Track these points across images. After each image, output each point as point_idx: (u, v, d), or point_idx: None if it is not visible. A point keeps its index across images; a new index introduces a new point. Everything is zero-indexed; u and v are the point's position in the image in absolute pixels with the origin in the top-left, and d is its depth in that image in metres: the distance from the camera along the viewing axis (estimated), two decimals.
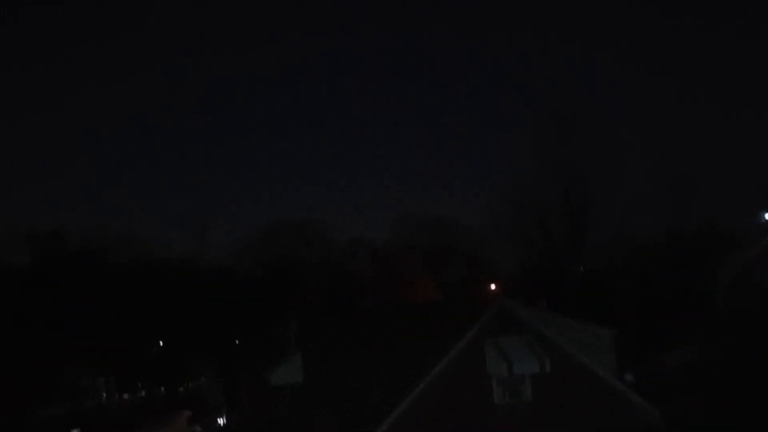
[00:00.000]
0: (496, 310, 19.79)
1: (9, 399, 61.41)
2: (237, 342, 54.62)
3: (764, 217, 41.60)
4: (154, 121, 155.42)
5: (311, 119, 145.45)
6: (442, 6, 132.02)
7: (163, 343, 68.66)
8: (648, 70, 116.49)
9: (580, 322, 22.58)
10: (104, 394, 73.37)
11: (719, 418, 22.33)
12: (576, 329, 21.63)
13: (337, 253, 71.59)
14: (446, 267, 66.01)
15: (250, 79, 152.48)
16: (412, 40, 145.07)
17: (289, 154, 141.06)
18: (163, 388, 74.71)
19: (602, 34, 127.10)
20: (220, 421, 47.12)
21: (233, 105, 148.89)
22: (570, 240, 43.48)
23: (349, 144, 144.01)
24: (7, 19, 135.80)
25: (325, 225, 74.06)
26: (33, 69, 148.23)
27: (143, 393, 75.63)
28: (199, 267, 71.61)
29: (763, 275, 36.75)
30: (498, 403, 19.19)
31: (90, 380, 72.35)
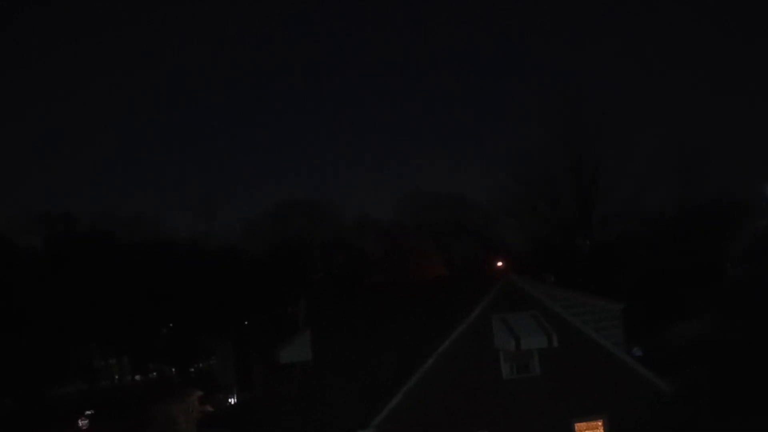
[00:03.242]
0: (504, 286, 19.78)
1: (25, 379, 62.40)
2: (247, 321, 55.04)
3: None
4: (163, 104, 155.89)
5: (319, 100, 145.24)
6: None
7: (173, 324, 69.33)
8: (657, 43, 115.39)
9: (588, 297, 22.52)
10: (117, 375, 74.39)
11: (730, 389, 22.36)
12: (583, 304, 21.57)
13: (345, 232, 71.74)
14: (454, 244, 66.05)
15: (258, 61, 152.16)
16: (420, 20, 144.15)
17: (297, 135, 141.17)
18: (174, 369, 75.58)
19: (611, 11, 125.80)
20: (231, 400, 47.65)
21: (241, 87, 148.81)
22: (578, 214, 43.28)
23: (356, 123, 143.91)
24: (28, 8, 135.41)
25: (333, 204, 74.25)
26: (43, 56, 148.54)
27: (155, 374, 76.57)
28: (208, 248, 72.00)
29: None
30: (506, 378, 19.25)
31: (103, 361, 73.34)
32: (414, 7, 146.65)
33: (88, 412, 52.99)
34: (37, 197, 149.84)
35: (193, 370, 71.03)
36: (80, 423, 51.71)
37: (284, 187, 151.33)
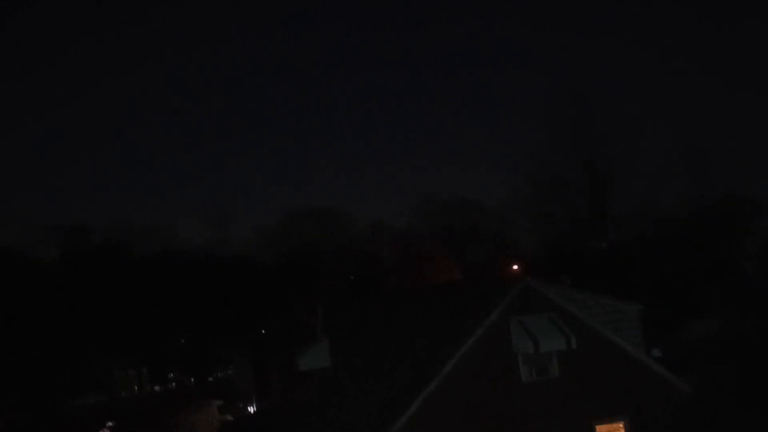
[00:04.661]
0: (521, 289, 19.82)
1: (44, 390, 62.87)
2: (264, 330, 55.22)
3: None
4: (174, 113, 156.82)
5: (328, 106, 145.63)
6: None
7: (191, 333, 69.66)
8: (662, 41, 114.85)
9: (605, 298, 22.51)
10: (136, 386, 74.75)
11: (749, 387, 22.23)
12: (601, 305, 21.59)
13: (359, 239, 71.89)
14: (468, 248, 66.04)
15: (269, 66, 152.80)
16: (420, 21, 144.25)
17: (308, 142, 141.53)
18: (193, 379, 75.90)
19: (616, 9, 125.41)
20: (250, 408, 47.81)
21: (251, 94, 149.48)
22: (591, 216, 43.25)
23: (364, 129, 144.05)
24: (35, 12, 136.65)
25: (346, 211, 74.38)
26: (50, 64, 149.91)
27: (174, 384, 76.90)
28: (223, 256, 72.35)
29: None
30: (525, 381, 19.27)
31: (122, 372, 73.73)
32: (413, 7, 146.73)
33: (108, 424, 53.27)
34: (51, 209, 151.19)
35: (211, 379, 71.26)
36: None
37: (297, 194, 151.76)
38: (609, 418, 19.39)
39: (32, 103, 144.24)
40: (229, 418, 49.85)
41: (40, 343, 60.17)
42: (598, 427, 19.28)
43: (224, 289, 63.02)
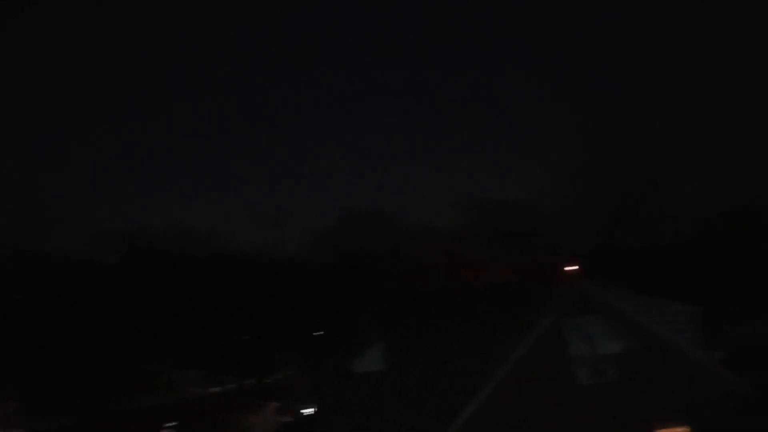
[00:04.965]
0: (575, 290, 19.64)
1: (106, 392, 64.83)
2: (320, 332, 55.70)
3: None
4: (228, 116, 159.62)
5: (373, 108, 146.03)
6: None
7: (249, 335, 70.78)
8: (690, 36, 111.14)
9: (661, 299, 22.11)
10: (195, 387, 76.36)
11: None
12: (658, 306, 21.22)
13: (410, 240, 71.97)
14: (517, 248, 65.42)
15: (316, 68, 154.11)
16: (457, 22, 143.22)
17: (357, 144, 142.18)
18: (250, 380, 77.09)
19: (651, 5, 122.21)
20: (307, 410, 48.29)
21: (301, 95, 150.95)
22: (641, 215, 42.49)
23: (412, 131, 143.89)
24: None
25: (397, 212, 74.40)
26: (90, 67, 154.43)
27: (232, 385, 78.25)
28: (278, 259, 73.34)
29: None
30: (582, 385, 19.06)
31: (181, 374, 75.42)
32: (443, 4, 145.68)
33: (168, 425, 54.60)
34: (112, 214, 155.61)
35: (268, 381, 72.24)
36: None
37: (350, 196, 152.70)
38: (669, 422, 19.02)
39: (89, 109, 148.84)
40: (286, 419, 50.51)
41: (104, 347, 62.12)
42: None
43: (280, 291, 63.95)
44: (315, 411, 46.79)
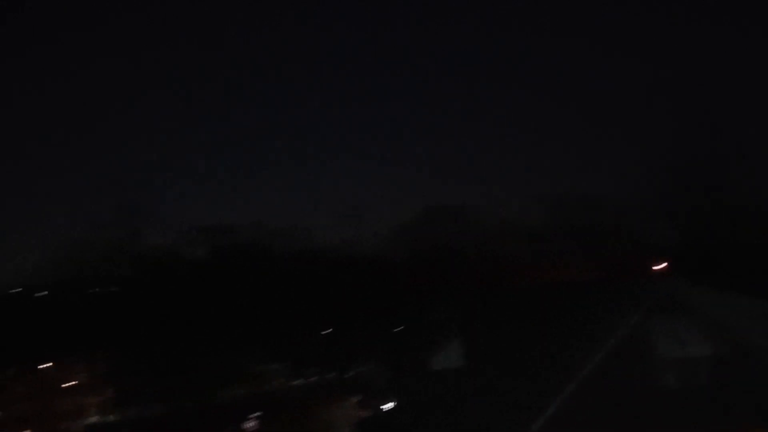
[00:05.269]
0: (663, 289, 18.98)
1: (195, 383, 67.54)
2: (399, 328, 56.05)
3: None
4: (307, 113, 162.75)
5: (457, 105, 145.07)
6: None
7: (331, 329, 72.01)
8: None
9: (751, 298, 21.06)
10: (279, 379, 78.57)
11: None
12: (746, 305, 20.24)
13: (492, 236, 71.29)
14: (602, 245, 63.63)
15: (412, 64, 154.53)
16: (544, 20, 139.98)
17: (438, 141, 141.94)
18: (332, 374, 78.52)
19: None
20: (387, 406, 48.70)
21: (381, 94, 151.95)
22: (731, 210, 40.52)
23: (495, 126, 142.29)
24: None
25: (479, 208, 73.87)
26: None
27: (314, 378, 79.90)
28: (358, 254, 74.26)
29: None
30: (670, 388, 18.41)
31: (265, 366, 77.72)
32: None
33: (254, 415, 56.27)
34: (197, 209, 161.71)
35: (350, 375, 73.33)
36: (248, 424, 55.01)
37: (431, 191, 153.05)
38: (762, 429, 18.09)
39: (183, 107, 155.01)
40: (366, 414, 51.06)
41: (193, 340, 64.61)
42: None
43: (360, 287, 64.69)
44: (394, 406, 47.18)
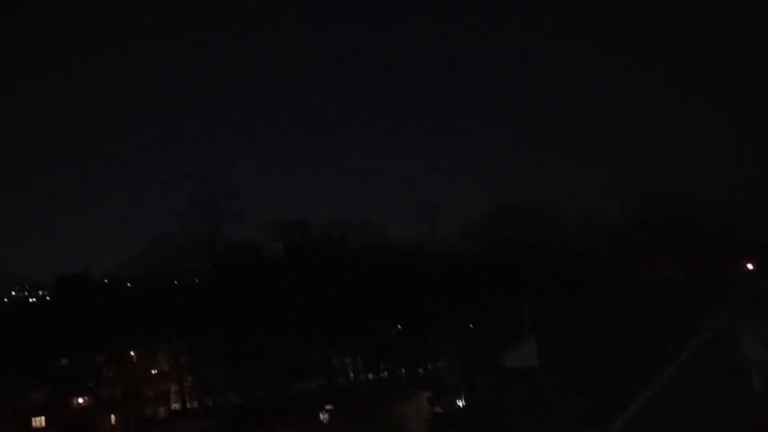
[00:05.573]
0: (750, 289, 17.99)
1: (273, 374, 69.04)
2: (471, 324, 55.55)
3: None
4: (386, 113, 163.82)
5: (534, 101, 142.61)
6: None
7: (402, 325, 72.16)
8: None
9: None
10: (351, 373, 79.27)
11: None
12: None
13: (567, 233, 69.77)
14: (689, 243, 61.16)
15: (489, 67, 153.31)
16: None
17: (513, 138, 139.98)
18: (403, 369, 78.57)
19: None
20: (459, 402, 48.37)
21: (456, 94, 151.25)
22: None
23: (574, 121, 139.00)
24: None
25: (554, 204, 72.45)
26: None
27: (386, 373, 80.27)
28: (431, 250, 74.01)
29: None
30: (758, 392, 17.44)
31: (339, 359, 78.59)
32: None
33: (327, 407, 57.01)
34: (280, 205, 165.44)
35: (421, 370, 73.13)
36: (321, 416, 55.83)
37: (504, 188, 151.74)
38: None
39: (271, 109, 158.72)
40: (439, 410, 50.87)
41: (270, 332, 65.91)
42: None
43: (432, 283, 64.45)
44: (466, 403, 46.78)
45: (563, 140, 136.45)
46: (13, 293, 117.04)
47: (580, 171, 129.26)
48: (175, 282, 76.82)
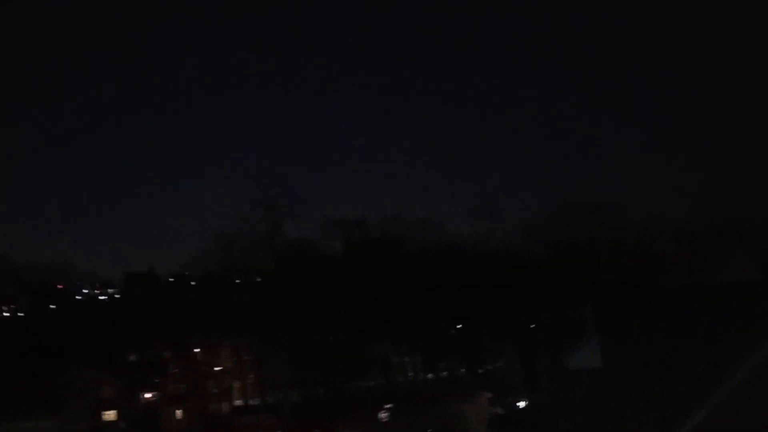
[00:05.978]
0: None
1: (333, 372, 69.62)
2: (533, 325, 54.66)
3: None
4: (445, 113, 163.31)
5: (597, 99, 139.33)
6: None
7: (462, 324, 71.56)
8: None
9: None
10: (411, 372, 79.14)
11: None
12: None
13: (633, 232, 67.77)
14: (764, 243, 58.47)
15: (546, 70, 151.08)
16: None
17: (575, 136, 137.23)
18: (463, 369, 77.97)
19: None
20: (520, 403, 47.64)
21: (517, 94, 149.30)
22: None
23: (639, 120, 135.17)
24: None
25: (619, 203, 70.53)
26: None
27: (445, 373, 79.83)
28: (491, 249, 73.08)
29: None
30: None
31: (399, 359, 78.56)
32: None
33: (387, 406, 57.01)
34: (340, 204, 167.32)
35: (481, 371, 72.41)
36: (381, 415, 55.89)
37: (565, 187, 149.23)
38: None
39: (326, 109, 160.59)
40: (499, 411, 50.22)
41: (330, 330, 66.33)
42: None
43: (492, 282, 63.64)
44: (528, 405, 45.97)
45: (630, 138, 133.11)
46: (85, 291, 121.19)
47: (649, 170, 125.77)
48: (237, 281, 78.22)
